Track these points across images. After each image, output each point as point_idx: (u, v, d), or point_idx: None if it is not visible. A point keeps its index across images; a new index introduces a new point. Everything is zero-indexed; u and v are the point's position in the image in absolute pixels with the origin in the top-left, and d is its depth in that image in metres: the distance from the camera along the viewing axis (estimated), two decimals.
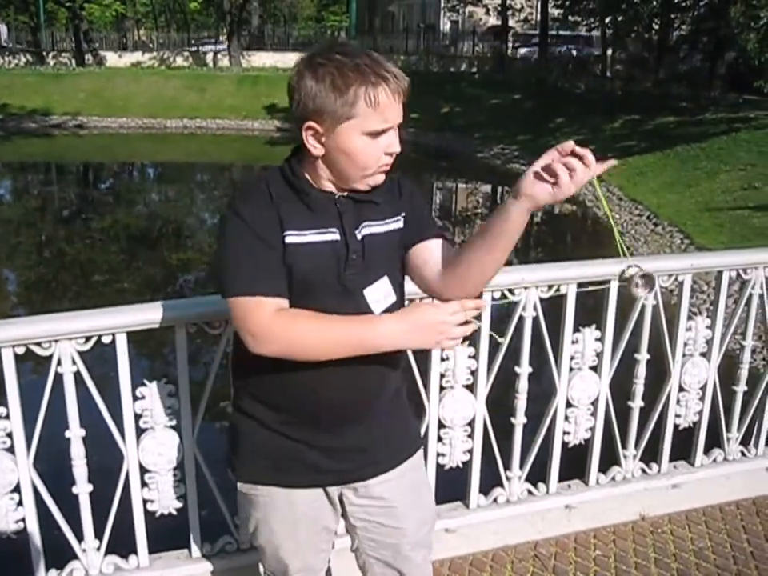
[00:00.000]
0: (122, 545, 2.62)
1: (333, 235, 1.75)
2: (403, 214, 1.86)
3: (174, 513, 2.62)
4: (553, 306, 2.94)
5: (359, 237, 1.78)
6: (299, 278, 1.73)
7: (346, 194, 1.78)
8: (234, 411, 1.96)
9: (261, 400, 1.87)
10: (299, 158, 1.79)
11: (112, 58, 41.52)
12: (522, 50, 39.49)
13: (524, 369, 2.94)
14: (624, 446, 3.26)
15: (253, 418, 1.89)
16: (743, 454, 3.51)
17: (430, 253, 1.84)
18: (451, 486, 3.08)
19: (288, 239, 1.72)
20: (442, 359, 2.80)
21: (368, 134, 1.68)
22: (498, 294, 2.80)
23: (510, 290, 2.82)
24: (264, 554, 2.03)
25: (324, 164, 1.75)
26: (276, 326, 1.67)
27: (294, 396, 1.81)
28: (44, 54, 41.08)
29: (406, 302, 1.96)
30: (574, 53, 36.81)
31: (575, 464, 3.26)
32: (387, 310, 1.81)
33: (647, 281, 1.73)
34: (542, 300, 2.88)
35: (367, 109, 1.65)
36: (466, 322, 1.68)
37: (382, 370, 1.86)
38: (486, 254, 1.71)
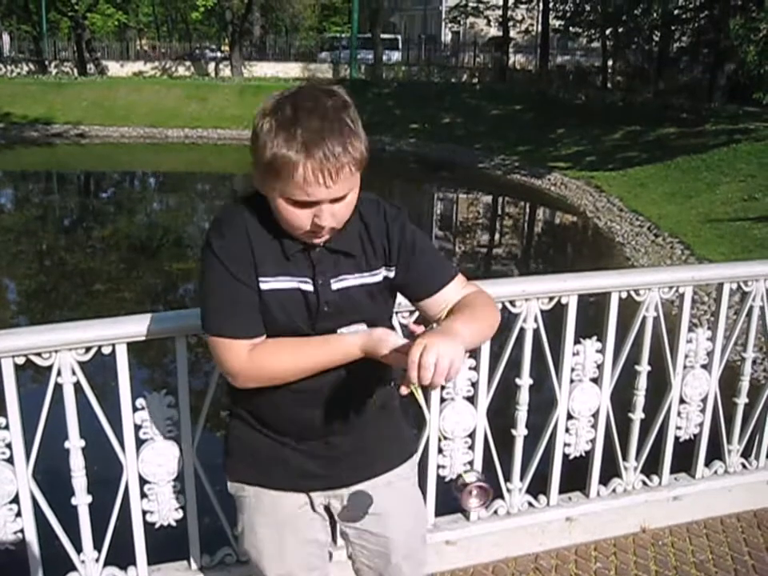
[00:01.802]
0: (120, 556, 2.61)
1: (306, 285, 1.72)
2: (393, 267, 1.80)
3: (174, 524, 2.61)
4: (553, 318, 2.93)
5: (334, 288, 1.74)
6: (269, 319, 1.73)
7: (321, 243, 1.72)
8: (228, 416, 1.98)
9: (247, 408, 1.88)
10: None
11: (114, 68, 41.65)
12: None
13: (525, 380, 2.93)
14: (625, 458, 3.25)
15: (241, 419, 1.91)
16: (744, 466, 3.50)
17: (443, 302, 1.81)
18: (452, 498, 3.06)
19: (262, 285, 1.71)
20: None
21: (289, 200, 1.62)
22: (498, 306, 2.79)
23: (511, 302, 2.82)
24: (249, 559, 2.02)
25: None
26: (252, 365, 1.72)
27: (278, 413, 1.83)
28: (46, 63, 41.22)
29: None
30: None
31: (576, 476, 3.25)
32: None
33: (483, 492, 1.61)
34: (542, 312, 2.87)
35: (284, 180, 1.58)
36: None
37: (365, 384, 1.86)
38: None
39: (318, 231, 1.66)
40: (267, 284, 1.71)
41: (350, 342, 1.71)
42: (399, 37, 42.89)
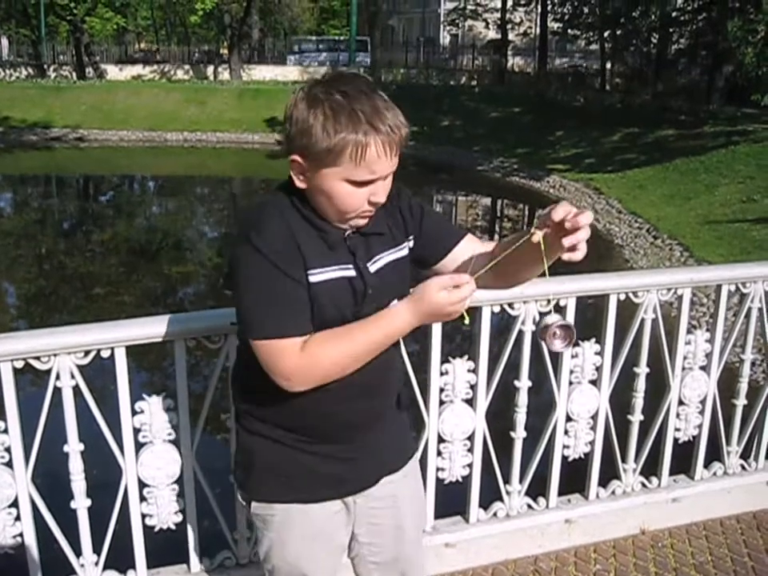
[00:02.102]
0: (120, 560, 2.61)
1: (350, 271, 1.73)
2: (412, 237, 1.86)
3: (173, 527, 2.61)
4: None
5: (372, 271, 1.76)
6: (319, 314, 1.69)
7: (352, 230, 1.74)
8: (243, 431, 1.90)
9: (273, 422, 1.83)
10: (302, 191, 1.72)
11: (113, 71, 41.66)
12: None
13: (523, 383, 2.94)
14: (624, 460, 3.26)
15: (264, 437, 1.85)
16: (743, 467, 3.50)
17: (461, 256, 1.87)
18: (451, 501, 3.07)
19: (312, 278, 1.68)
20: (442, 373, 2.80)
21: (351, 182, 1.63)
22: (497, 309, 2.80)
23: (510, 304, 2.82)
24: (279, 574, 1.97)
25: (311, 197, 1.71)
26: (306, 364, 1.65)
27: (311, 421, 1.80)
28: (45, 67, 41.27)
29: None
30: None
31: (575, 478, 3.25)
32: None
33: (566, 332, 1.63)
34: (540, 314, 2.88)
35: (351, 162, 1.60)
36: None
37: (391, 380, 1.91)
38: (512, 264, 1.75)
39: (369, 211, 1.70)
40: (316, 276, 1.68)
41: (400, 313, 1.69)
42: (368, 39, 42.80)
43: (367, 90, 1.62)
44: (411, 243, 1.87)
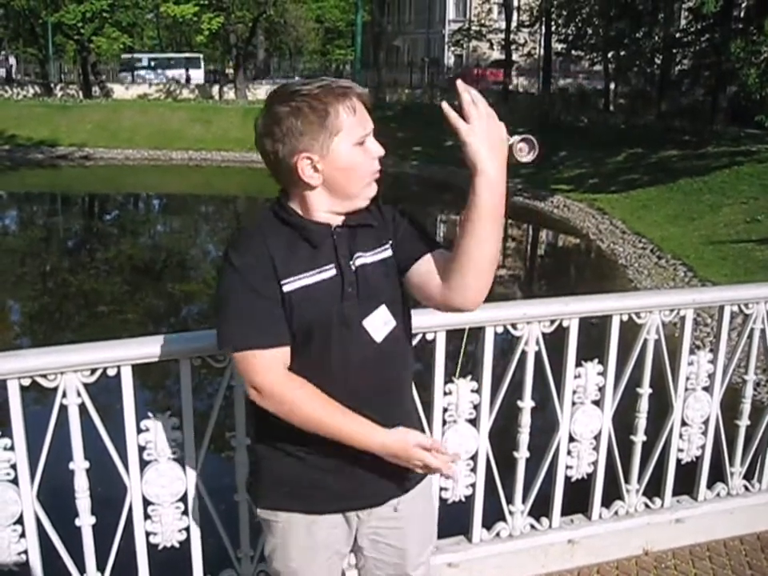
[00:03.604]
0: None
1: (329, 272, 1.79)
2: (391, 242, 1.88)
3: (177, 545, 2.61)
4: (555, 340, 2.95)
5: (353, 268, 1.81)
6: (301, 320, 1.77)
7: (341, 223, 1.82)
8: (254, 439, 1.99)
9: (284, 434, 1.86)
10: (286, 197, 1.83)
11: (119, 90, 41.88)
12: None
13: (526, 403, 2.94)
14: (627, 481, 3.26)
15: (274, 447, 1.91)
16: (747, 488, 3.50)
17: (427, 267, 1.83)
18: (454, 520, 3.07)
19: (286, 287, 1.76)
20: (445, 393, 2.81)
21: (356, 143, 1.75)
22: (500, 329, 2.82)
23: (513, 325, 2.84)
24: None
25: (324, 191, 1.78)
26: (283, 395, 1.75)
27: (318, 437, 1.82)
28: (52, 85, 41.47)
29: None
30: None
31: (578, 498, 3.25)
32: (389, 335, 1.84)
33: (528, 143, 1.76)
34: (544, 334, 2.89)
35: (348, 119, 1.73)
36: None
37: (403, 401, 1.96)
38: (470, 238, 1.71)
39: (378, 170, 1.81)
40: (292, 284, 1.76)
41: (378, 436, 1.78)
42: (201, 55, 42.57)
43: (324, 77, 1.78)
44: (390, 250, 1.89)
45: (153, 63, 46.14)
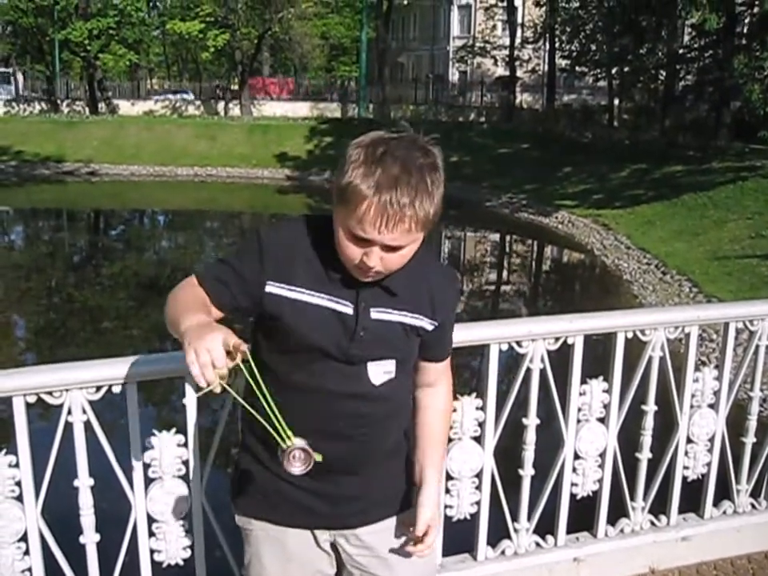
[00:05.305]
0: None
1: (345, 307, 1.76)
2: (433, 322, 1.87)
3: (181, 563, 2.60)
4: (560, 357, 2.95)
5: (373, 317, 1.78)
6: (299, 338, 1.76)
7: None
8: (239, 449, 2.01)
9: (263, 447, 1.89)
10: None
11: (125, 106, 42.14)
12: None
13: (531, 420, 2.94)
14: (632, 498, 3.24)
15: (249, 453, 1.95)
16: (753, 506, 3.48)
17: (428, 372, 2.01)
18: (459, 538, 3.06)
19: (269, 287, 1.76)
20: None
21: (347, 231, 1.66)
22: (505, 347, 2.82)
23: (518, 342, 2.84)
24: None
25: None
26: (177, 290, 1.89)
27: None
28: (58, 102, 41.78)
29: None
30: None
31: (583, 516, 3.23)
32: (385, 384, 1.84)
33: (305, 456, 1.64)
34: (549, 352, 2.89)
35: (348, 209, 1.62)
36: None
37: (384, 443, 1.91)
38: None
39: (364, 269, 1.69)
40: (281, 289, 1.76)
41: (186, 323, 1.70)
42: (11, 70, 41.66)
43: (412, 164, 1.62)
44: (430, 327, 1.86)
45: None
